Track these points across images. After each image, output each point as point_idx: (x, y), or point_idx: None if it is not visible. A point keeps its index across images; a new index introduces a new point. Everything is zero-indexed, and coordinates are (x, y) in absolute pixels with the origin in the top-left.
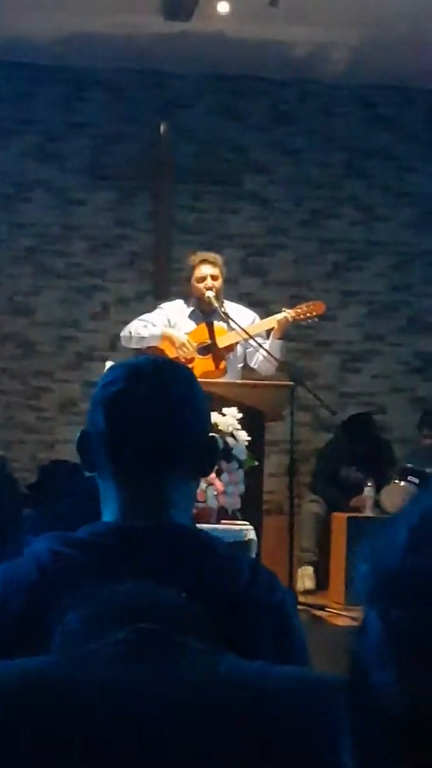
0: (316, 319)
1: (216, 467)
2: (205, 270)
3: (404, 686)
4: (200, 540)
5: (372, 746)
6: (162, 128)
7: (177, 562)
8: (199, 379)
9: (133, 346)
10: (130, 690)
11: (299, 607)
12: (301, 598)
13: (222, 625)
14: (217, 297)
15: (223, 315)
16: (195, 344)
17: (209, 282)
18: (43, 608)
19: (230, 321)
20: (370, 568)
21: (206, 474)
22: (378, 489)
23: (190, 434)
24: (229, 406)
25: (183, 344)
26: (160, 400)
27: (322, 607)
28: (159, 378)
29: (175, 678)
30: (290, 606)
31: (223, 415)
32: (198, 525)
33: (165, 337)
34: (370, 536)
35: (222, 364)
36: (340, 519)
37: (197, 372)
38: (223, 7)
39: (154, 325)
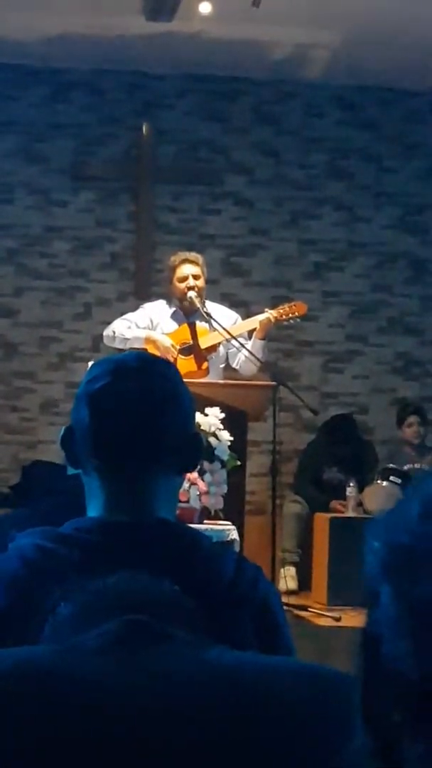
0: (298, 320)
1: (199, 467)
2: (187, 270)
3: (419, 658)
4: (184, 535)
5: (384, 718)
6: (143, 129)
7: (161, 556)
8: None
9: (116, 346)
10: (120, 680)
11: None
12: (283, 599)
13: (207, 619)
14: (198, 297)
15: (205, 315)
16: (177, 346)
17: (191, 282)
18: (29, 603)
19: (212, 321)
20: (382, 544)
21: (191, 470)
22: (360, 489)
23: (174, 430)
24: (211, 406)
25: (167, 349)
26: (144, 396)
27: (304, 608)
28: (144, 374)
29: (164, 668)
30: (275, 600)
31: (206, 415)
32: None
33: (149, 341)
34: (381, 514)
35: (204, 365)
36: (322, 519)
37: None
38: (204, 8)
39: (137, 326)
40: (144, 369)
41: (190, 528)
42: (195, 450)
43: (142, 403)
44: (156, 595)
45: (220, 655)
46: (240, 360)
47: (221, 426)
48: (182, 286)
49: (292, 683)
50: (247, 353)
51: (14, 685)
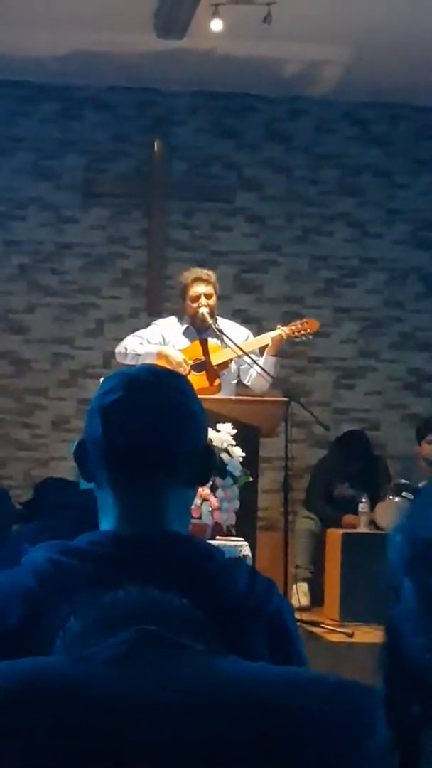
0: (310, 336)
1: (211, 482)
2: (199, 289)
3: None
4: (197, 548)
5: (404, 710)
6: (155, 146)
7: (174, 569)
8: None
9: (128, 362)
10: (134, 690)
11: None
12: (296, 615)
13: (219, 631)
14: (210, 314)
15: (216, 332)
16: (190, 362)
17: (203, 301)
18: (42, 617)
19: (224, 338)
20: (405, 539)
21: (203, 483)
22: (372, 505)
23: (187, 443)
24: (223, 422)
25: (179, 363)
26: (157, 409)
27: (317, 624)
28: (156, 387)
29: (178, 678)
30: (287, 613)
31: (218, 431)
32: None
33: (161, 356)
34: (405, 510)
35: (216, 381)
36: (334, 535)
37: None
38: (216, 25)
39: (149, 342)
40: (156, 382)
41: (203, 541)
42: (208, 463)
43: (154, 416)
44: (165, 607)
45: (233, 666)
46: (252, 376)
47: (233, 442)
48: (194, 305)
49: (307, 694)
50: (259, 369)
51: (28, 695)
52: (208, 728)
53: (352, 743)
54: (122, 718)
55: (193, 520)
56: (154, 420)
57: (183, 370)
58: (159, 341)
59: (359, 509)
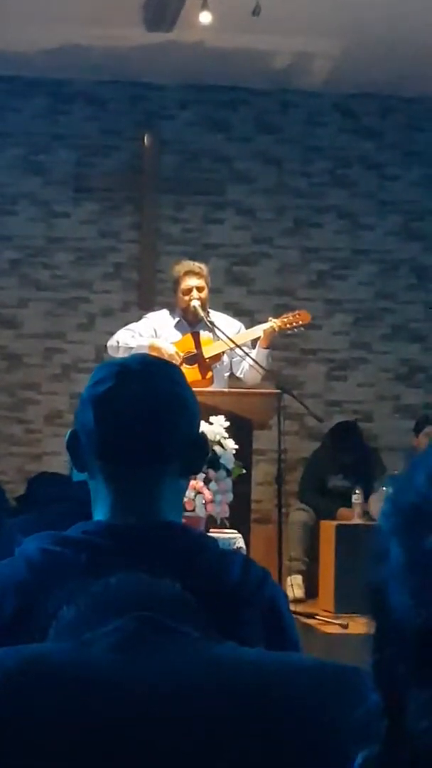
0: (303, 328)
1: (204, 475)
2: (191, 282)
3: (421, 607)
4: (191, 537)
5: (392, 671)
6: (145, 139)
7: (168, 558)
8: None
9: (121, 356)
10: (132, 675)
11: None
12: (290, 607)
13: (214, 619)
14: (202, 307)
15: (208, 324)
16: (182, 354)
17: (195, 294)
18: (35, 606)
19: (216, 330)
20: (392, 504)
21: (197, 472)
22: (366, 497)
23: (179, 432)
24: (216, 414)
25: (171, 356)
26: (149, 398)
27: (311, 615)
28: (148, 376)
29: (174, 664)
30: (282, 601)
31: (211, 423)
32: None
33: (153, 348)
34: (394, 477)
35: (208, 374)
36: (328, 527)
37: None
38: (204, 18)
39: (141, 335)
40: (148, 371)
41: (197, 530)
42: (200, 452)
43: (146, 405)
44: (158, 593)
45: (230, 652)
46: (244, 369)
47: (226, 434)
48: (186, 298)
49: (304, 678)
50: (251, 362)
51: (26, 681)
52: (207, 714)
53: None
54: (122, 703)
55: (186, 513)
56: (146, 409)
57: (175, 362)
58: (151, 334)
59: (353, 500)
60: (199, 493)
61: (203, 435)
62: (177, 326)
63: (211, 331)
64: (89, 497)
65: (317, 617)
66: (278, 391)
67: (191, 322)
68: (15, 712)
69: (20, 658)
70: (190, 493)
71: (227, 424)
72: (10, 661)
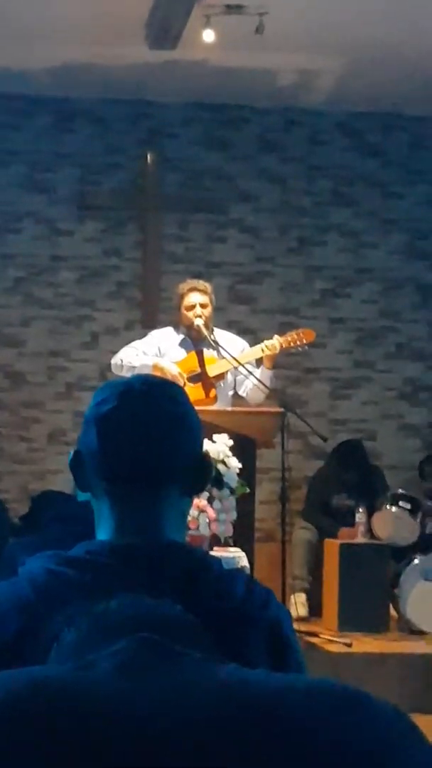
0: (306, 347)
1: (208, 494)
2: (195, 298)
3: None
4: (195, 557)
5: None
6: (148, 158)
7: (172, 578)
8: None
9: (124, 374)
10: (132, 698)
11: None
12: (294, 625)
13: (217, 640)
14: (206, 325)
15: (212, 343)
16: (185, 374)
17: (198, 310)
18: (39, 627)
19: (220, 349)
20: None
21: (200, 491)
22: (369, 515)
23: (183, 452)
24: (220, 433)
25: (175, 377)
26: (152, 419)
27: (315, 634)
28: (151, 396)
29: (177, 685)
30: (286, 622)
31: (214, 442)
32: None
33: (157, 368)
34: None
35: (212, 392)
36: (332, 546)
37: None
38: (208, 36)
39: (144, 353)
40: (151, 392)
41: (201, 550)
42: (204, 471)
43: (149, 425)
44: (159, 614)
45: (234, 673)
46: (247, 388)
47: (230, 453)
48: (190, 314)
49: (309, 700)
50: (255, 381)
51: (28, 704)
52: (211, 736)
53: (359, 749)
54: (124, 725)
55: (190, 532)
56: (149, 429)
57: (178, 383)
58: (155, 352)
59: (356, 519)
60: (202, 511)
61: (206, 454)
62: (181, 344)
63: (215, 349)
64: (92, 516)
65: (321, 636)
66: (282, 409)
67: (195, 340)
68: (15, 736)
69: (20, 681)
70: (193, 512)
71: (231, 442)
72: (10, 684)
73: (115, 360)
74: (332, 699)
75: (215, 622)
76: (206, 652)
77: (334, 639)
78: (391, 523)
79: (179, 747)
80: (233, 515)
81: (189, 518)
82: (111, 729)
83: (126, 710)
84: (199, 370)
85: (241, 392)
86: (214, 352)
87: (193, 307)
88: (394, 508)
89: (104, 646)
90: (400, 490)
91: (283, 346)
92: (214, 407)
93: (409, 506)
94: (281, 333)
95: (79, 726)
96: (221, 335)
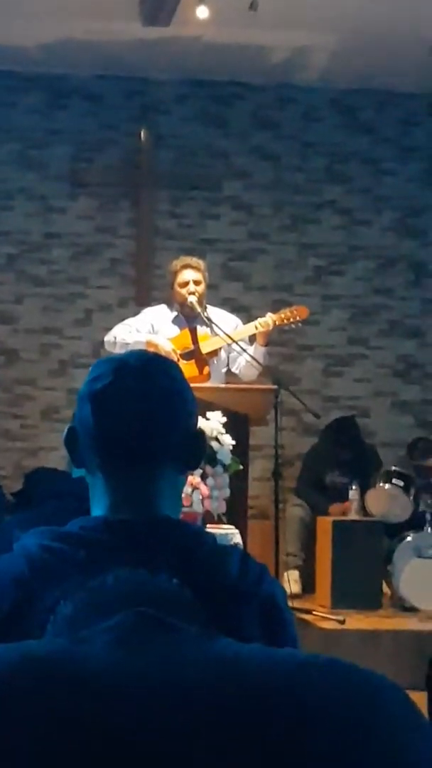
0: (299, 324)
1: (201, 471)
2: (188, 275)
3: None
4: (189, 532)
5: None
6: (142, 135)
7: (166, 553)
8: None
9: (118, 351)
10: (129, 672)
11: None
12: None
13: (211, 615)
14: (199, 302)
15: (206, 320)
16: (179, 351)
17: (192, 287)
18: (33, 602)
19: (213, 326)
20: None
21: (194, 467)
22: (363, 492)
23: (178, 428)
24: (213, 410)
25: (168, 353)
26: (147, 394)
27: (308, 611)
28: (146, 372)
29: (173, 660)
30: (280, 597)
31: (208, 419)
32: None
33: (150, 345)
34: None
35: (205, 370)
36: (325, 523)
37: None
38: (202, 12)
39: (138, 331)
40: (146, 368)
41: (195, 526)
42: (198, 448)
43: (144, 401)
44: (155, 589)
45: (230, 647)
46: (240, 365)
47: (223, 430)
48: (183, 291)
49: (305, 674)
50: (248, 358)
51: (24, 677)
52: (207, 710)
53: (353, 720)
54: (120, 699)
55: (183, 509)
56: (144, 405)
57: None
58: (148, 330)
59: (350, 496)
60: (196, 488)
61: (201, 431)
62: (174, 321)
63: (209, 326)
64: (87, 493)
65: (314, 613)
66: (275, 387)
67: (189, 318)
68: (10, 709)
69: (16, 654)
70: (187, 489)
71: (224, 419)
72: (6, 657)
73: (109, 337)
74: (326, 672)
75: (210, 597)
76: (202, 627)
77: (327, 616)
78: (385, 500)
79: (175, 720)
80: (226, 492)
81: (183, 495)
82: (107, 702)
83: (122, 684)
84: (192, 347)
85: (234, 369)
86: (208, 330)
87: (186, 284)
88: (387, 485)
89: (100, 620)
90: (394, 467)
91: (277, 323)
92: (208, 384)
93: (402, 483)
94: (274, 310)
95: (75, 699)
96: (214, 312)
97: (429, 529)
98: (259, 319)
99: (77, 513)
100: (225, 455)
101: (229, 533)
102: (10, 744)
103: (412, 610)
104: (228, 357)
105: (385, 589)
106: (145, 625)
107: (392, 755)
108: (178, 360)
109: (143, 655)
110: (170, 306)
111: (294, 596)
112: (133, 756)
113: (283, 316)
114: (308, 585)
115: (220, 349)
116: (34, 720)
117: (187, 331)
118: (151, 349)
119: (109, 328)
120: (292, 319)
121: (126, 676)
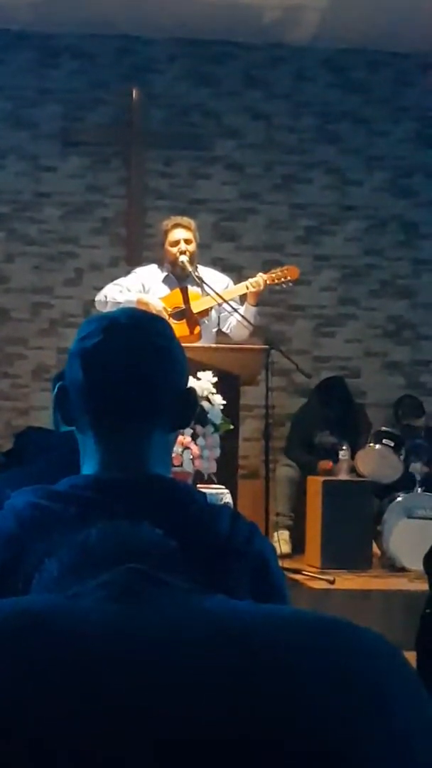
0: (290, 284)
1: (192, 431)
2: (179, 234)
3: None
4: (179, 490)
5: None
6: (133, 94)
7: (156, 511)
8: None
9: (108, 310)
10: (125, 629)
11: None
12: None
13: (202, 570)
14: (190, 261)
15: (197, 279)
16: (170, 310)
17: (182, 246)
18: (22, 560)
19: (204, 286)
20: None
21: (185, 426)
22: (353, 453)
23: (168, 386)
24: (204, 370)
25: (159, 312)
26: (138, 352)
27: (298, 571)
28: (137, 330)
29: (167, 616)
30: (270, 554)
31: (198, 379)
32: None
33: (141, 304)
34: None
35: (196, 329)
36: (315, 483)
37: None
38: None
39: (128, 290)
40: (136, 325)
41: (186, 484)
42: (189, 406)
43: (134, 359)
44: (140, 542)
45: (222, 603)
46: (231, 324)
47: (214, 390)
48: (174, 250)
49: (294, 630)
50: (239, 317)
51: (19, 631)
52: (200, 665)
53: (342, 680)
54: (118, 655)
55: (174, 468)
56: (134, 363)
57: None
58: (139, 289)
59: (339, 456)
60: (186, 448)
61: (192, 389)
62: (165, 281)
63: (200, 286)
64: (76, 446)
65: (304, 573)
66: (266, 346)
67: (179, 277)
68: (5, 662)
69: (8, 609)
70: (177, 449)
71: (215, 379)
72: (1, 613)
73: (99, 297)
74: (317, 626)
75: (201, 554)
76: (188, 579)
77: (317, 576)
78: (375, 460)
79: (171, 676)
80: (217, 452)
81: (173, 455)
82: (104, 656)
83: (118, 640)
84: (183, 306)
85: (225, 329)
86: (198, 289)
87: (177, 243)
88: (377, 446)
89: (87, 575)
90: (384, 428)
91: (268, 283)
92: (199, 344)
93: (392, 444)
94: (265, 270)
95: (72, 652)
96: (205, 272)
97: (419, 490)
98: (250, 279)
99: (67, 467)
100: (216, 415)
101: (219, 493)
102: (9, 700)
103: (401, 570)
104: (219, 317)
105: (375, 549)
106: (138, 582)
107: (380, 705)
108: (169, 319)
109: (137, 612)
110: (161, 266)
111: (284, 556)
112: (130, 710)
113: (274, 275)
114: (298, 545)
115: (211, 308)
116: (33, 675)
117: (178, 290)
118: (142, 308)
119: (100, 288)
120: (283, 279)
121: (123, 631)
